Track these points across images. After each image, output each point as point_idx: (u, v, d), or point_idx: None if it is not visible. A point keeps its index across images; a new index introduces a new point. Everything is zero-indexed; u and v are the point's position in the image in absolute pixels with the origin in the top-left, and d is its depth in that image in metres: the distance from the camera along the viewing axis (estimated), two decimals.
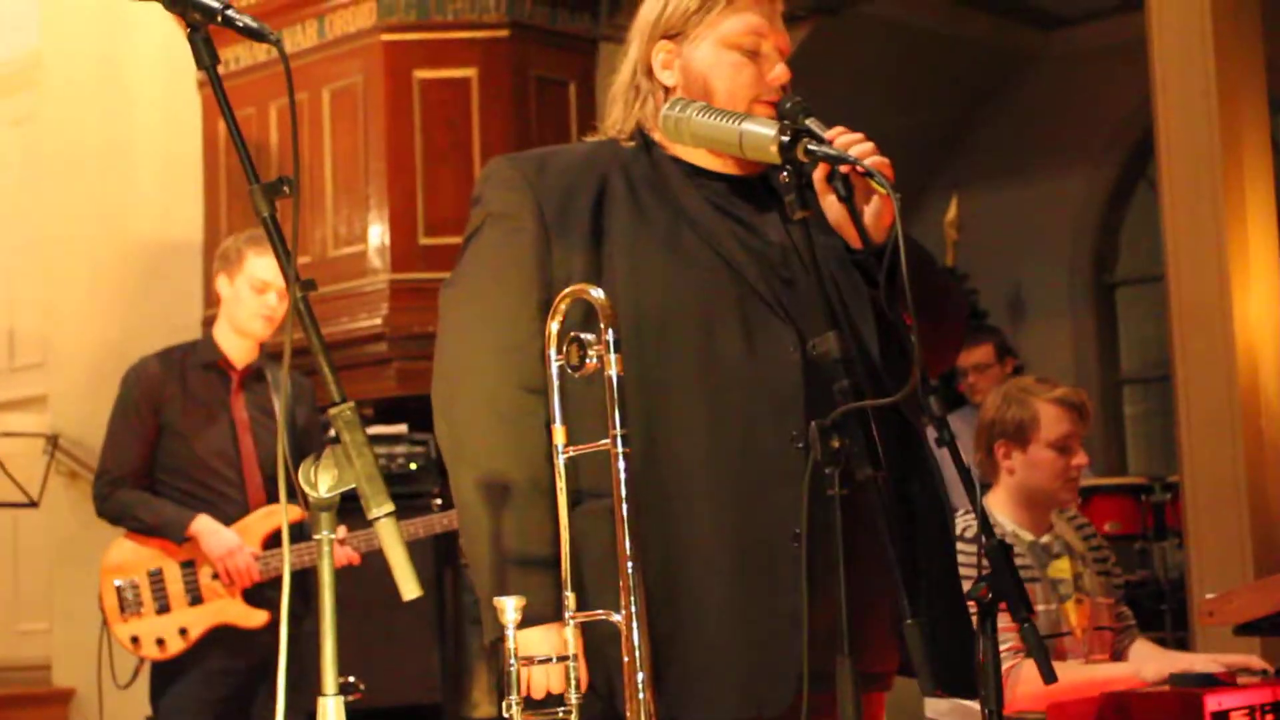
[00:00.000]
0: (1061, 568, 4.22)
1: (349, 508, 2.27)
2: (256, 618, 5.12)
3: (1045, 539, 4.26)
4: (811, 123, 2.71)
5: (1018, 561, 4.04)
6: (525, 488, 2.67)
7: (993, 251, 10.09)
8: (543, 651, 2.61)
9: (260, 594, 5.15)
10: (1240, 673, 3.90)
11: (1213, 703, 3.39)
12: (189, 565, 5.14)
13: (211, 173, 7.92)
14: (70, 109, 8.18)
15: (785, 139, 2.65)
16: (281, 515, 5.08)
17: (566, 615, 2.57)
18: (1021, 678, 3.82)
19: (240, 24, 2.28)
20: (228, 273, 5.26)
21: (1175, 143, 6.28)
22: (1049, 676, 2.43)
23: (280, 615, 2.30)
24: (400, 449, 6.59)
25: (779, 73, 2.86)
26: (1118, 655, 4.30)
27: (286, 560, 2.37)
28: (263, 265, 5.19)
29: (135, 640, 5.13)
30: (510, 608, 2.47)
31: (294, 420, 5.27)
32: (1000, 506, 4.27)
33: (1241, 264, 6.14)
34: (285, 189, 2.23)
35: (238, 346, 5.28)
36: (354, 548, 5.10)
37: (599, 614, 2.54)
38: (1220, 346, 6.09)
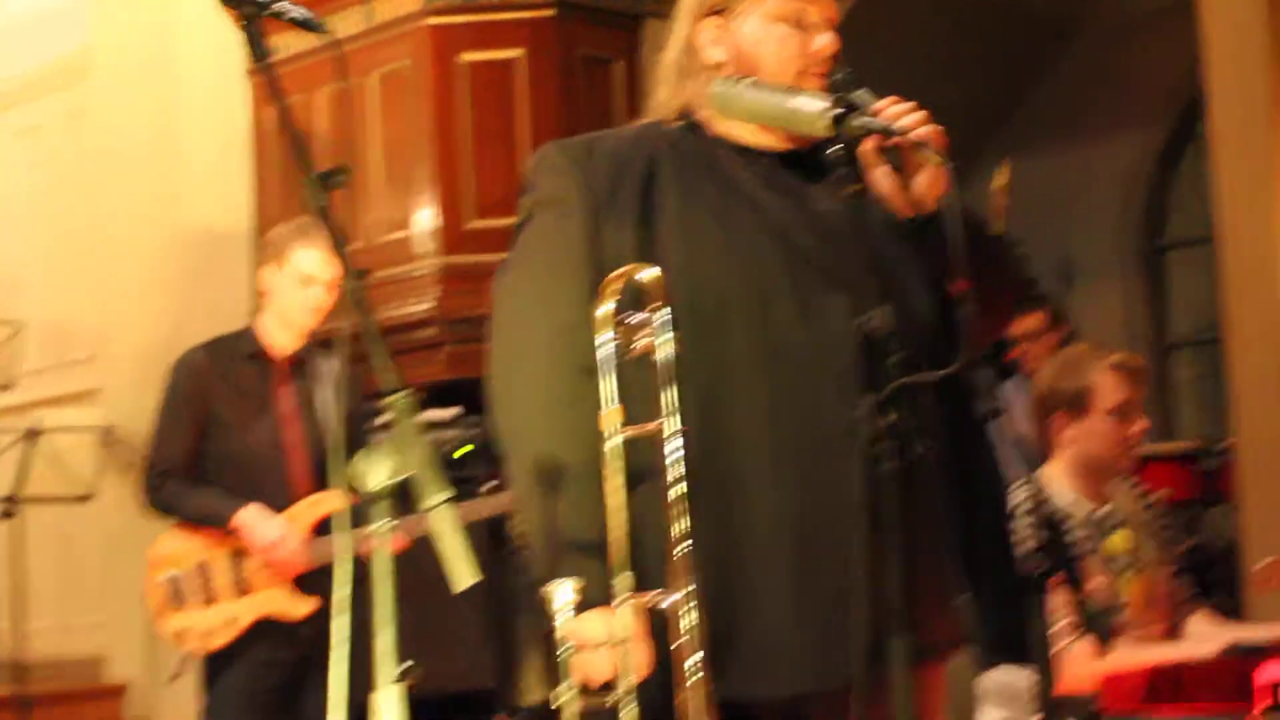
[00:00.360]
0: (1119, 540, 4.19)
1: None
2: (304, 607, 5.10)
3: (1104, 510, 4.23)
4: (862, 94, 2.71)
5: (1075, 534, 4.05)
6: (581, 469, 2.67)
7: (1042, 217, 10.04)
8: (599, 636, 2.62)
9: (310, 582, 5.16)
10: None
11: (1263, 675, 3.38)
12: (237, 555, 5.14)
13: (261, 162, 7.95)
14: (120, 102, 8.22)
15: (837, 112, 2.65)
16: (331, 503, 5.13)
17: (623, 597, 2.57)
18: (1074, 655, 3.81)
19: (291, 16, 2.30)
20: (274, 263, 5.26)
21: (1226, 104, 6.25)
22: (1105, 639, 2.43)
23: (329, 604, 2.31)
24: (452, 433, 6.59)
25: (826, 42, 2.85)
26: (1175, 627, 4.28)
27: (342, 550, 2.38)
28: (309, 258, 5.17)
29: (182, 633, 5.14)
30: (568, 591, 2.48)
31: (340, 408, 5.25)
32: (1059, 477, 4.24)
33: None
34: (339, 180, 2.25)
35: (282, 337, 5.28)
36: (404, 532, 5.08)
37: (656, 594, 2.54)
38: (1272, 309, 6.06)
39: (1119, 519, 4.22)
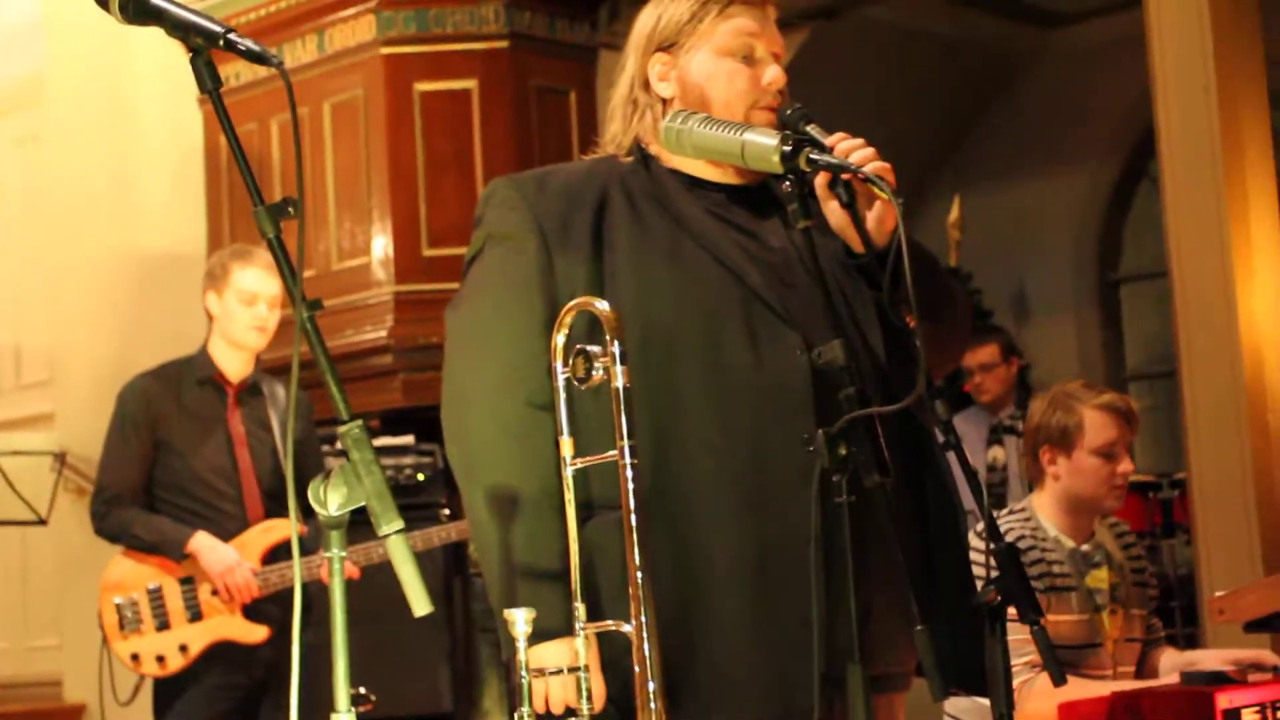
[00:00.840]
0: (1100, 577, 4.21)
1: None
2: (256, 633, 5.13)
3: (1086, 547, 4.24)
4: (812, 129, 2.73)
5: (1057, 569, 4.07)
6: (535, 501, 2.68)
7: (996, 251, 10.09)
8: (556, 664, 2.62)
9: (260, 609, 5.15)
10: (1251, 669, 3.91)
11: (1224, 700, 3.39)
12: (188, 582, 5.15)
13: (214, 188, 7.93)
14: (73, 128, 8.20)
15: (787, 148, 2.66)
16: (282, 530, 5.13)
17: (578, 626, 2.57)
18: (1035, 691, 3.82)
19: (242, 48, 2.29)
20: (215, 289, 5.27)
21: (1176, 138, 6.28)
22: (1059, 679, 2.44)
23: (284, 629, 2.32)
24: (408, 460, 6.59)
25: (774, 76, 2.87)
26: (1142, 664, 4.30)
27: (298, 576, 2.38)
28: (249, 277, 5.21)
29: (135, 657, 5.14)
30: (520, 620, 2.48)
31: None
32: (1044, 511, 4.26)
33: (1245, 259, 6.14)
34: (290, 210, 2.24)
35: (233, 361, 5.29)
36: (354, 562, 5.10)
37: (609, 625, 2.55)
38: (1225, 342, 6.09)
39: (1100, 557, 4.24)
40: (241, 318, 5.23)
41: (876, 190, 2.67)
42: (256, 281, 5.21)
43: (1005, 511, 4.32)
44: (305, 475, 2.40)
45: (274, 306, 5.23)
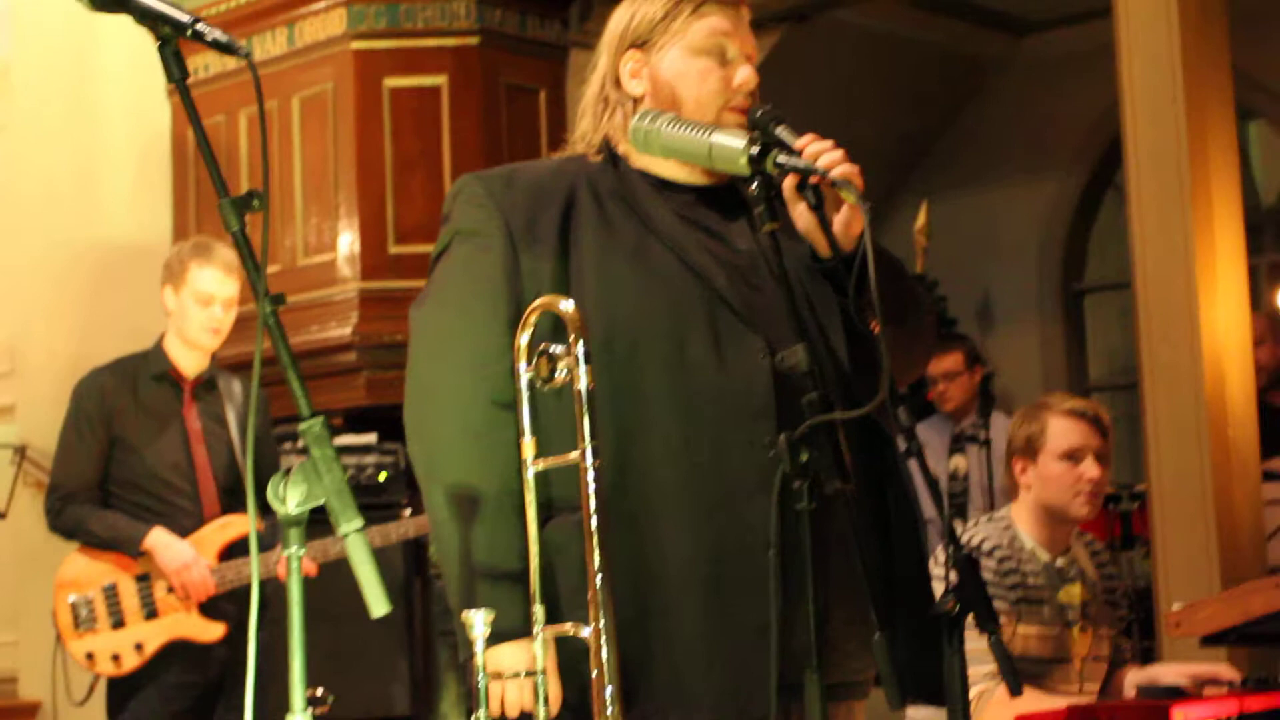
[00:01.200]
0: (1073, 593, 4.21)
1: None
2: (213, 631, 5.10)
3: (1061, 561, 4.24)
4: (782, 131, 2.72)
5: (1031, 581, 4.07)
6: (496, 501, 2.67)
7: (962, 258, 10.10)
8: (514, 667, 2.61)
9: (216, 607, 5.12)
10: (1208, 684, 3.92)
11: (1179, 715, 3.40)
12: (144, 579, 5.12)
13: (181, 181, 7.90)
14: (39, 117, 8.15)
15: (754, 151, 2.65)
16: (239, 527, 5.10)
17: (535, 629, 2.56)
18: (994, 701, 3.82)
19: (210, 38, 2.27)
20: (173, 284, 5.23)
21: (1143, 150, 6.30)
22: (1015, 689, 2.43)
23: (240, 627, 2.31)
24: (370, 459, 6.58)
25: (745, 77, 2.87)
26: (1108, 684, 4.31)
27: (255, 575, 2.36)
28: (206, 277, 5.17)
29: (90, 656, 5.10)
30: (479, 621, 2.47)
31: (246, 428, 5.25)
32: (1021, 523, 4.26)
33: (1209, 272, 6.15)
34: (255, 203, 2.23)
35: (188, 357, 5.26)
36: (311, 558, 5.08)
37: (568, 628, 2.54)
38: (1188, 355, 6.10)
39: (1074, 573, 4.24)
40: (196, 318, 5.19)
41: (844, 194, 2.66)
42: (213, 283, 5.17)
43: (985, 518, 4.33)
44: (261, 472, 2.38)
45: (229, 308, 5.20)
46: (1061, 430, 4.22)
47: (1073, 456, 4.21)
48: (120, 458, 5.20)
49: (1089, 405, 4.31)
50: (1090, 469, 4.21)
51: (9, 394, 8.26)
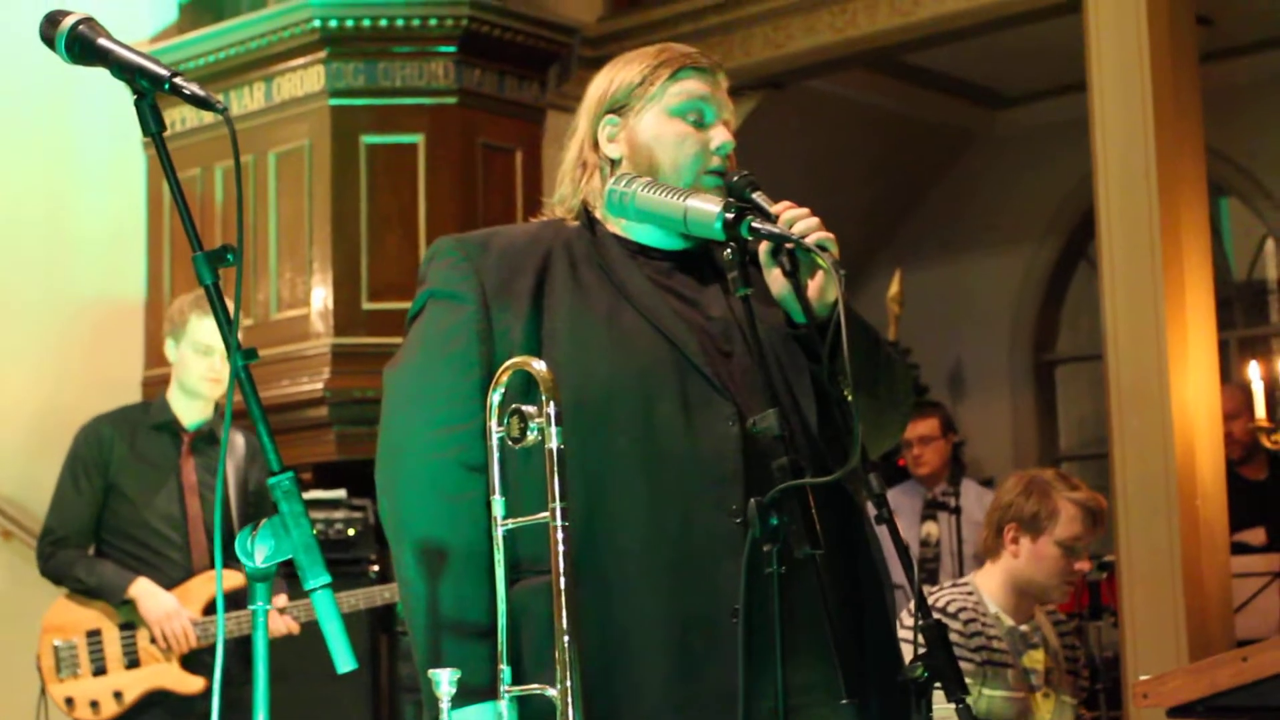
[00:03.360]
0: (1036, 658, 4.23)
1: (293, 573, 2.26)
2: (193, 684, 5.10)
3: (1025, 627, 4.26)
4: (758, 197, 2.73)
5: (996, 645, 4.08)
6: (464, 560, 2.65)
7: (934, 327, 10.15)
8: None
9: (199, 659, 5.13)
10: None
11: None
12: (128, 628, 5.12)
13: (156, 232, 7.90)
14: (14, 167, 8.15)
15: (729, 215, 2.66)
16: (228, 580, 5.09)
17: (502, 689, 2.55)
18: None
19: (187, 92, 2.27)
20: (174, 336, 5.26)
21: (1115, 224, 6.34)
22: None
23: (221, 680, 2.30)
24: (339, 514, 6.55)
25: (722, 140, 2.88)
26: None
27: (221, 627, 2.35)
28: (206, 328, 5.19)
29: (70, 701, 5.10)
30: (445, 680, 2.46)
31: (246, 483, 5.27)
32: (988, 587, 4.28)
33: (1180, 345, 6.19)
34: (229, 258, 2.23)
35: (189, 408, 5.28)
36: (294, 617, 5.09)
37: (534, 688, 2.53)
38: (1157, 427, 6.14)
39: (1038, 639, 4.26)
40: (196, 368, 5.22)
41: (818, 260, 2.67)
42: (213, 334, 5.19)
43: (949, 585, 4.34)
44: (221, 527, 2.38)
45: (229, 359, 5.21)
46: (1070, 519, 4.26)
47: (1071, 547, 4.24)
48: (114, 506, 5.21)
49: (1096, 501, 4.34)
50: (1083, 563, 4.26)
51: None
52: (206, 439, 5.31)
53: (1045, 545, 4.23)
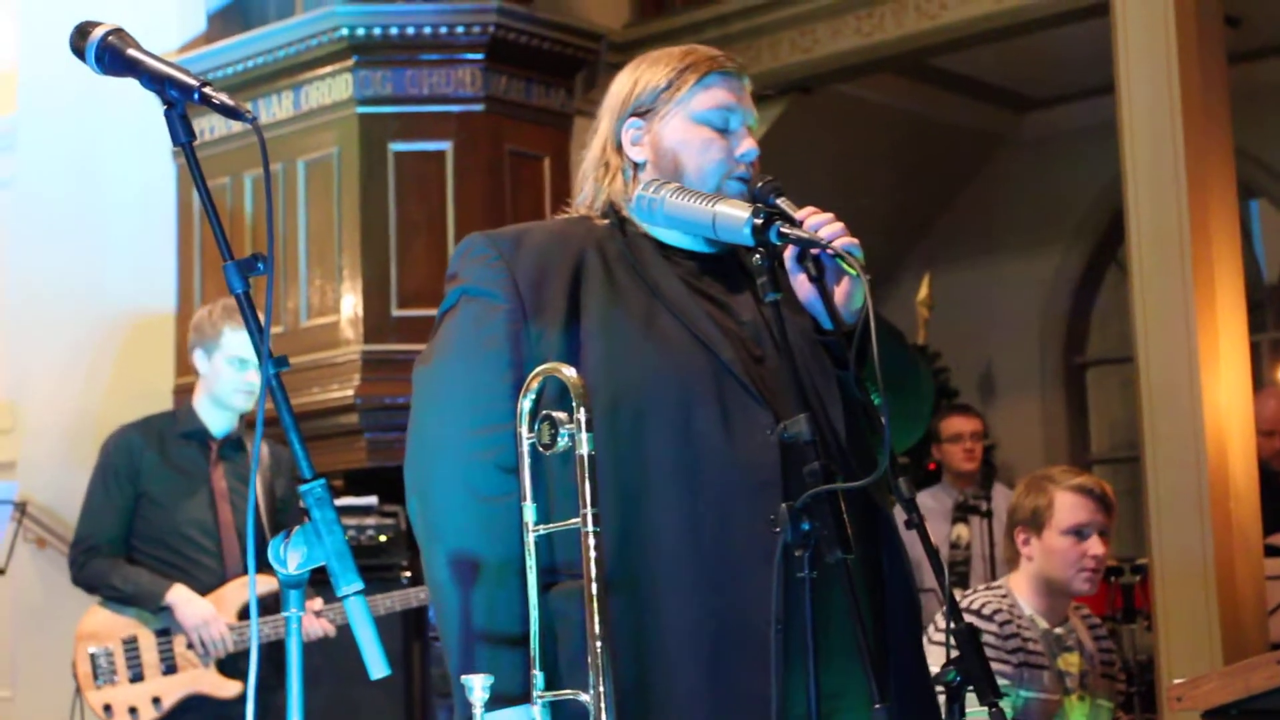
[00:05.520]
0: (1071, 661, 4.22)
1: (326, 579, 2.26)
2: (230, 688, 5.12)
3: (1059, 630, 4.25)
4: (783, 203, 2.73)
5: (1032, 646, 4.07)
6: (497, 566, 2.65)
7: (964, 330, 10.13)
8: None
9: (235, 664, 5.14)
10: None
11: None
12: (164, 634, 5.14)
13: (186, 241, 7.93)
14: (45, 177, 8.19)
15: (757, 221, 2.66)
16: (260, 586, 5.10)
17: (535, 695, 2.55)
18: None
19: (216, 102, 2.28)
20: (204, 348, 5.26)
21: (1145, 226, 6.32)
22: None
23: (257, 685, 2.31)
24: (370, 521, 6.57)
25: (748, 148, 2.88)
26: None
27: (255, 632, 2.36)
28: (241, 340, 5.19)
29: (108, 709, 5.13)
30: (478, 686, 2.46)
31: (273, 491, 5.28)
32: (1020, 591, 4.28)
33: (1211, 347, 6.17)
34: (259, 266, 2.24)
35: (217, 417, 5.29)
36: (330, 619, 5.11)
37: (567, 693, 2.53)
38: (1189, 429, 6.11)
39: (1073, 642, 4.25)
40: (231, 380, 5.22)
41: (844, 266, 2.67)
42: (248, 346, 5.20)
43: (983, 588, 4.34)
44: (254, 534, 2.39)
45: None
46: (1068, 506, 4.23)
47: (1078, 533, 4.22)
48: (146, 514, 5.22)
49: (1095, 482, 4.32)
50: (1094, 546, 4.22)
51: (10, 451, 8.28)
52: (234, 446, 5.32)
53: (1051, 538, 4.23)
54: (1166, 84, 6.28)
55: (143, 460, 5.25)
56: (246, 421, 5.38)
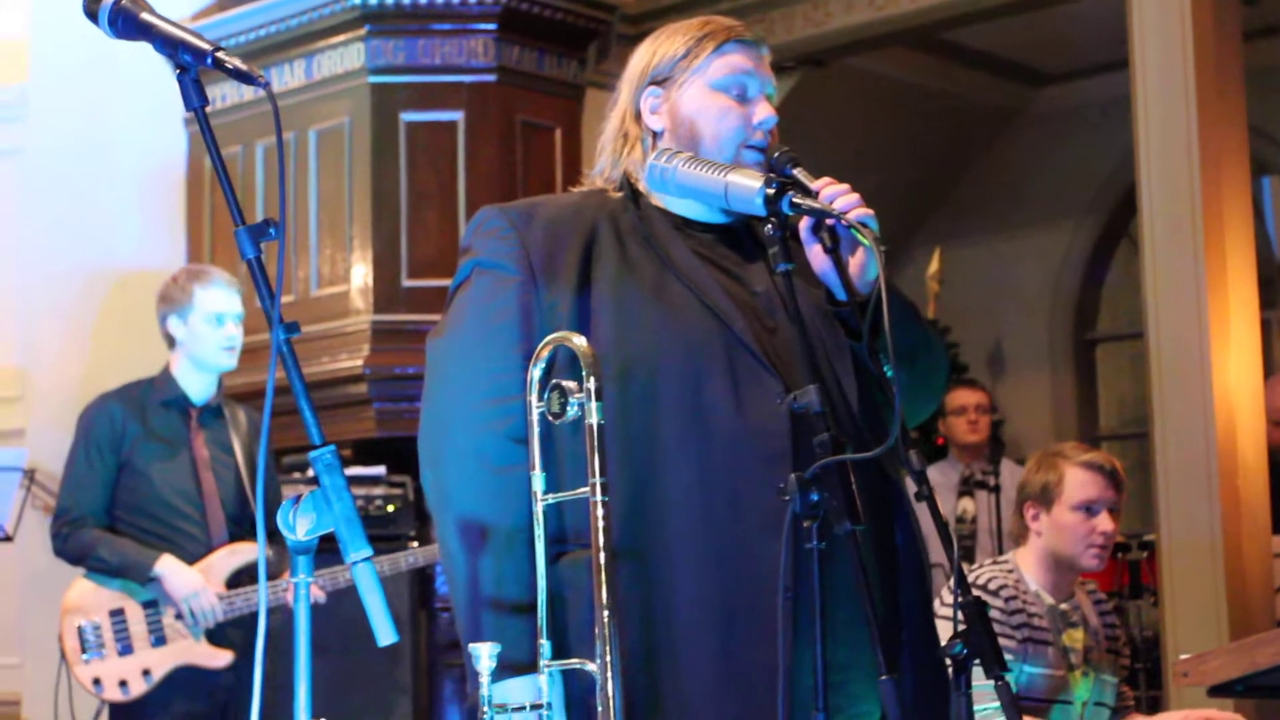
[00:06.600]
0: (1075, 637, 4.22)
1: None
2: (220, 658, 5.10)
3: (1065, 605, 4.26)
4: (798, 173, 2.72)
5: (1037, 622, 4.08)
6: (506, 534, 2.66)
7: (974, 305, 10.12)
8: (520, 700, 2.59)
9: (224, 634, 5.12)
10: None
11: None
12: (151, 605, 5.11)
13: (195, 209, 7.92)
14: (55, 143, 8.18)
15: (770, 191, 2.66)
16: (247, 554, 5.11)
17: (542, 664, 2.56)
18: None
19: (230, 67, 2.28)
20: (177, 312, 5.24)
21: (1157, 201, 6.32)
22: None
23: (246, 654, 2.31)
24: (378, 491, 6.57)
25: (765, 116, 2.87)
26: None
27: (263, 600, 2.36)
28: (213, 296, 5.20)
29: (98, 682, 5.10)
30: (485, 654, 2.47)
31: (252, 457, 5.25)
32: (1028, 566, 4.28)
33: (1221, 324, 6.16)
34: (271, 232, 2.24)
35: (197, 383, 5.27)
36: (319, 586, 5.08)
37: (574, 662, 2.53)
38: (1199, 405, 6.11)
39: (1077, 618, 4.25)
40: (211, 338, 5.20)
41: (859, 237, 2.66)
42: (222, 300, 5.20)
43: (989, 562, 4.34)
44: (266, 503, 2.39)
45: (240, 324, 5.24)
46: (1078, 482, 4.23)
47: (1088, 508, 4.22)
48: (128, 484, 5.19)
49: (1105, 458, 4.32)
50: (1104, 522, 4.22)
51: (18, 418, 8.27)
52: (213, 413, 5.30)
53: (1061, 513, 4.23)
54: (1181, 60, 6.27)
55: (125, 429, 5.22)
56: (226, 390, 5.37)
